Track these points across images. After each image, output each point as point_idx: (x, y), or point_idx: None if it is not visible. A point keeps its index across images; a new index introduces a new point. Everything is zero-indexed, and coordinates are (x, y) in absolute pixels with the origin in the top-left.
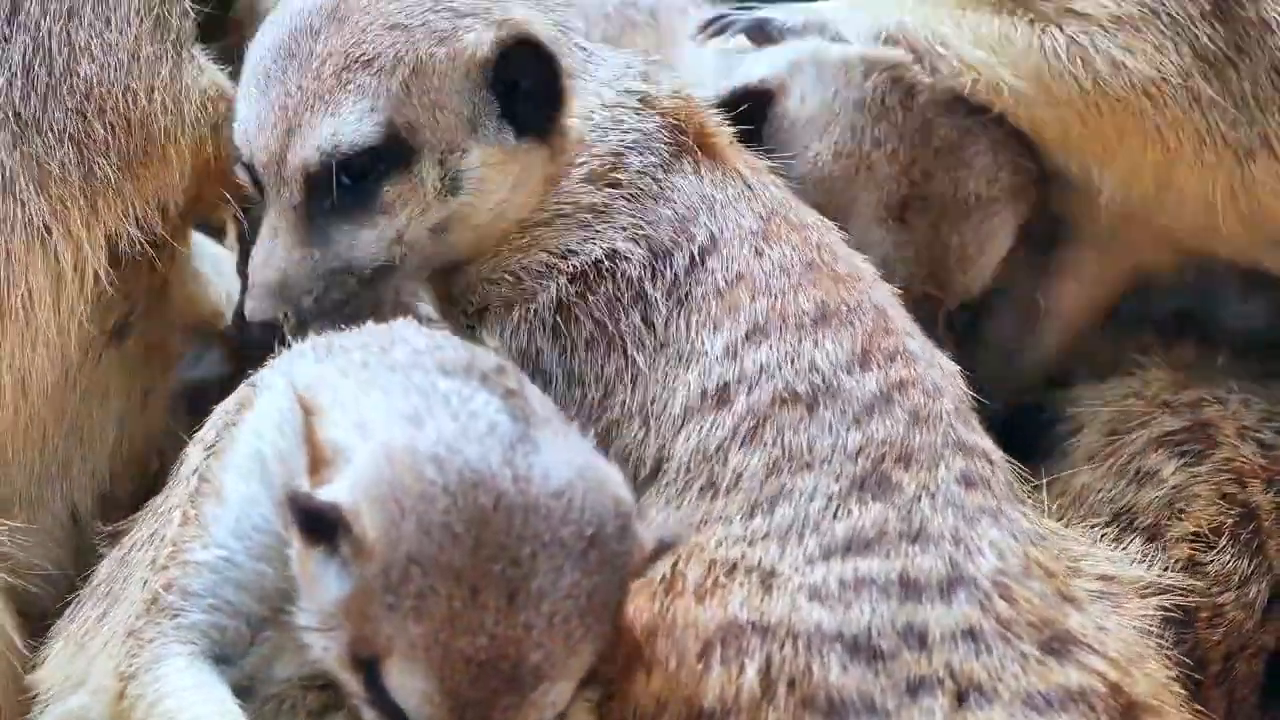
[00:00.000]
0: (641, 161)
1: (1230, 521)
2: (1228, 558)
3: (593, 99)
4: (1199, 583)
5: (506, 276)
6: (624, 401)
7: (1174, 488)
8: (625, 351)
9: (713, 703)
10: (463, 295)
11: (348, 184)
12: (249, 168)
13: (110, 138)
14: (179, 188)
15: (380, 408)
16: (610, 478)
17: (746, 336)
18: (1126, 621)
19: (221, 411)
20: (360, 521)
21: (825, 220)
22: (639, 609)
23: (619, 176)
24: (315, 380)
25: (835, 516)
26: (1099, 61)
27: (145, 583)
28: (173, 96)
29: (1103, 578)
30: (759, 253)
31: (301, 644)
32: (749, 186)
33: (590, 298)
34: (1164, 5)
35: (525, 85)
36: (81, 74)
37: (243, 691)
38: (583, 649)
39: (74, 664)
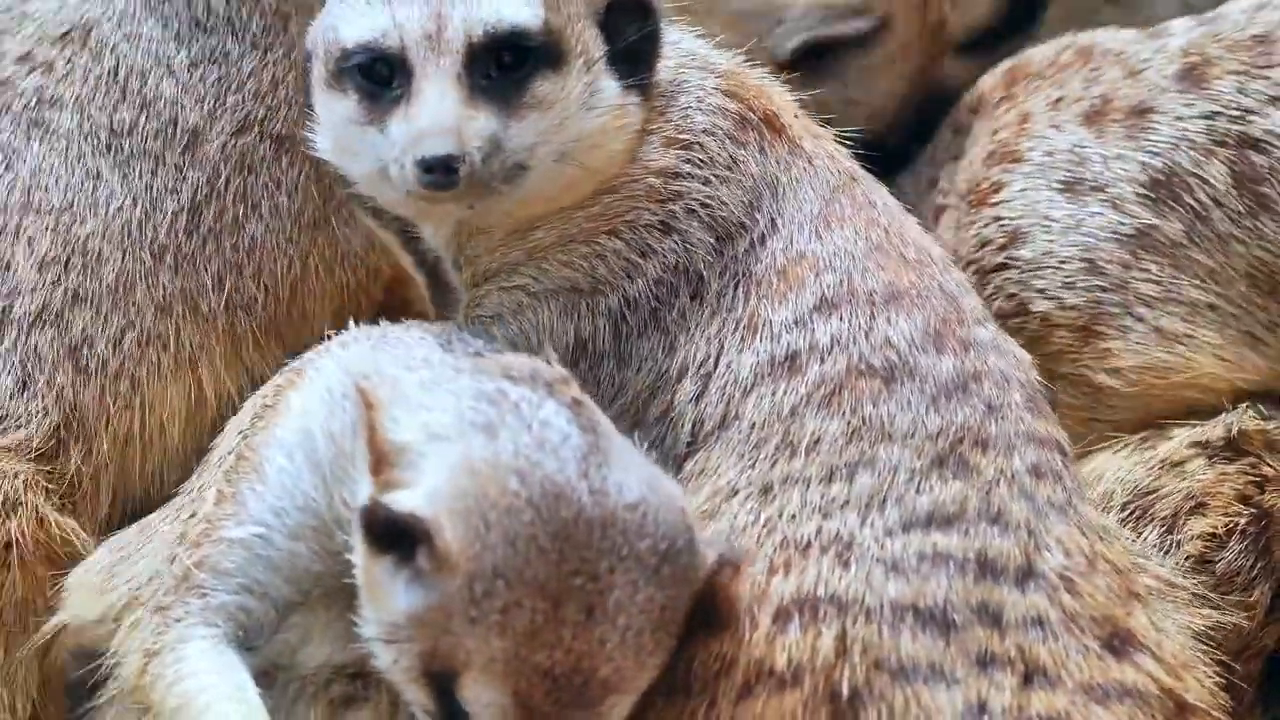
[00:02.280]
0: (708, 122)
1: (1243, 521)
2: (1234, 556)
3: (668, 59)
4: (1210, 583)
5: (580, 263)
6: (666, 369)
7: (1200, 481)
8: (668, 330)
9: (785, 665)
10: (515, 267)
11: (508, 63)
12: (375, 60)
13: (260, 297)
14: (317, 335)
15: (449, 411)
16: (675, 491)
17: (815, 308)
18: (1183, 623)
19: (259, 397)
20: (443, 534)
21: (895, 201)
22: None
23: (687, 139)
24: (373, 371)
25: (918, 490)
26: None
27: (175, 558)
28: (325, 264)
29: (1158, 578)
30: (819, 236)
31: (336, 634)
32: (812, 165)
33: (657, 292)
34: None
35: (629, 37)
36: (248, 230)
37: (264, 677)
38: (650, 663)
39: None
